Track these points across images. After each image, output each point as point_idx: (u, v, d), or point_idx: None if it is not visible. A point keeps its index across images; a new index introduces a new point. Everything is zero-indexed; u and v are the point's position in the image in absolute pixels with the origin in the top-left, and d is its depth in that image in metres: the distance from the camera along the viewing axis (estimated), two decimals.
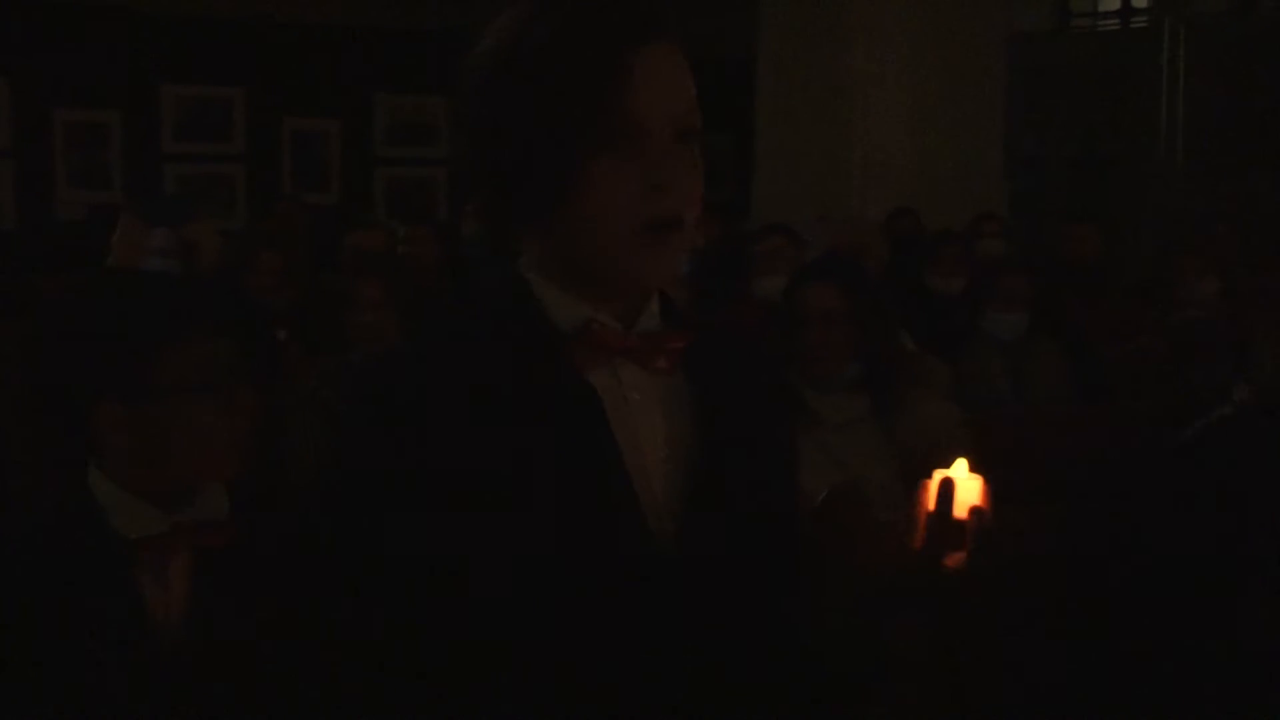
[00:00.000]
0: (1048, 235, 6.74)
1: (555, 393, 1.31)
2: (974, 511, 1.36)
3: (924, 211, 6.80)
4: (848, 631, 1.41)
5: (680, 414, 1.37)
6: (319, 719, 1.56)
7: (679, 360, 1.37)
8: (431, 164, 10.85)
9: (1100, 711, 2.55)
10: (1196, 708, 2.40)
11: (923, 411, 3.16)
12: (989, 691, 2.67)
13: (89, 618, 1.68)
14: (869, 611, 1.41)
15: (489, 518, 1.26)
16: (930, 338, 4.61)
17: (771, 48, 7.82)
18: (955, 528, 1.35)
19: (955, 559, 1.36)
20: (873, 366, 3.19)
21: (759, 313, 4.88)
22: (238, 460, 1.78)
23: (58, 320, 1.82)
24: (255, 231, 7.46)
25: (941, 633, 2.48)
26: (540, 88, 1.29)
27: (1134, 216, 8.65)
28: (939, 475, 1.37)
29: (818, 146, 7.51)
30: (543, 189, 1.29)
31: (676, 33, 1.33)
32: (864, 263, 4.20)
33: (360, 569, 1.30)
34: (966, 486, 1.38)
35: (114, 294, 1.83)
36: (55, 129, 9.71)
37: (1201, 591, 2.39)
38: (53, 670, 1.66)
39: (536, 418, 1.30)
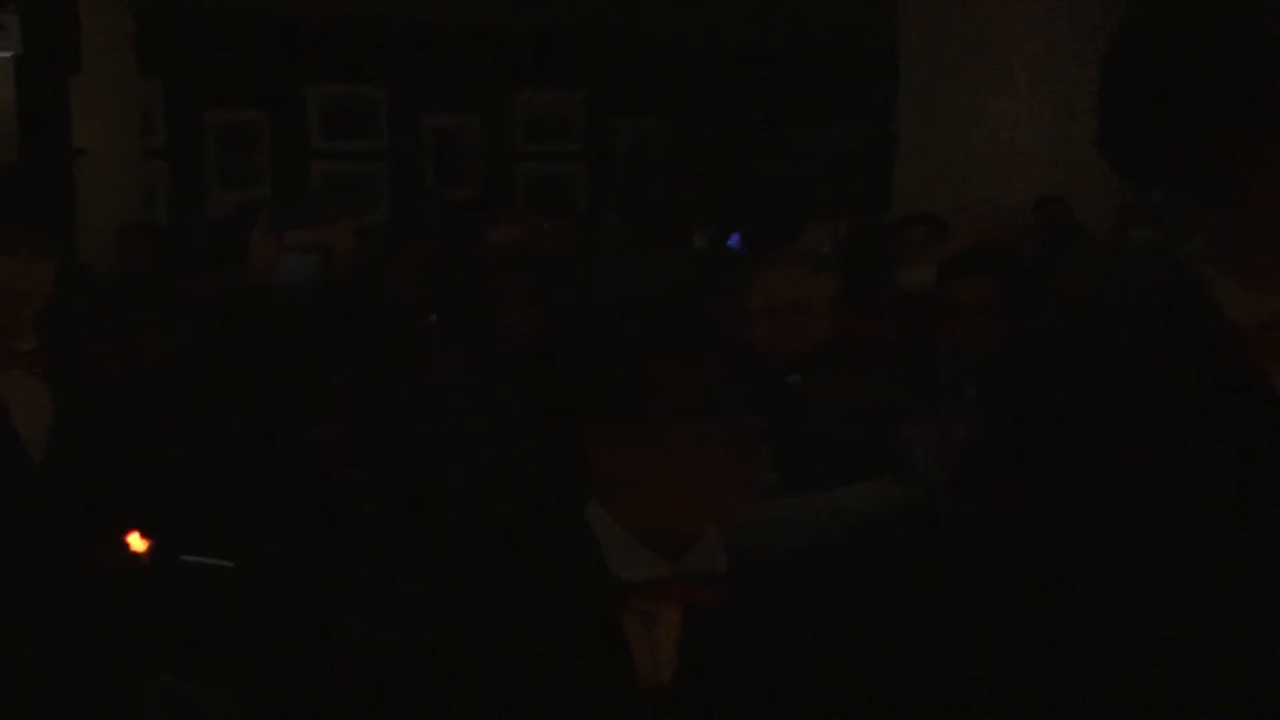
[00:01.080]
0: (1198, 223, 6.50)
1: (1230, 395, 1.14)
2: None
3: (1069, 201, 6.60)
4: None
5: None
6: None
7: None
8: (569, 158, 10.89)
9: None
10: None
11: None
12: None
13: (569, 661, 1.54)
14: None
15: (1157, 519, 1.12)
16: None
17: (913, 36, 7.67)
18: None
19: None
20: None
21: (904, 305, 4.78)
22: (739, 503, 1.59)
23: (560, 336, 1.66)
24: (398, 226, 7.55)
25: None
26: (1240, 26, 1.09)
27: None
28: None
29: (960, 135, 7.35)
30: (1238, 158, 1.10)
31: None
32: (1016, 253, 4.06)
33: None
34: None
35: (607, 309, 1.65)
36: (207, 130, 9.96)
37: None
38: (523, 705, 1.53)
39: (1208, 419, 1.14)
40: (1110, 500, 1.13)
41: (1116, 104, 1.17)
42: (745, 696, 1.57)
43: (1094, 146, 1.20)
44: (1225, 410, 1.13)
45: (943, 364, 3.06)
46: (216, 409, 3.70)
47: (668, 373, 1.54)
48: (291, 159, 10.13)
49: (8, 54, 9.24)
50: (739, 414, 1.55)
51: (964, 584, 1.22)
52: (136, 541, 2.38)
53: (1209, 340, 1.15)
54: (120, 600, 2.39)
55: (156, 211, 9.22)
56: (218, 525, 3.35)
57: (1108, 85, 1.16)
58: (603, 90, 10.80)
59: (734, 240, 8.36)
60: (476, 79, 10.46)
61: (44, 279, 2.36)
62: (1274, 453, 1.13)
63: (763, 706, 1.57)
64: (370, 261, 6.10)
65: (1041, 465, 1.16)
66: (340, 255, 4.57)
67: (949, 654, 1.20)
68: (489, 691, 1.52)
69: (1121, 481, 1.13)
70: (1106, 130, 1.18)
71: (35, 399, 2.37)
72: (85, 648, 2.28)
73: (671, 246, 6.01)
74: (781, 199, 9.82)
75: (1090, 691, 1.15)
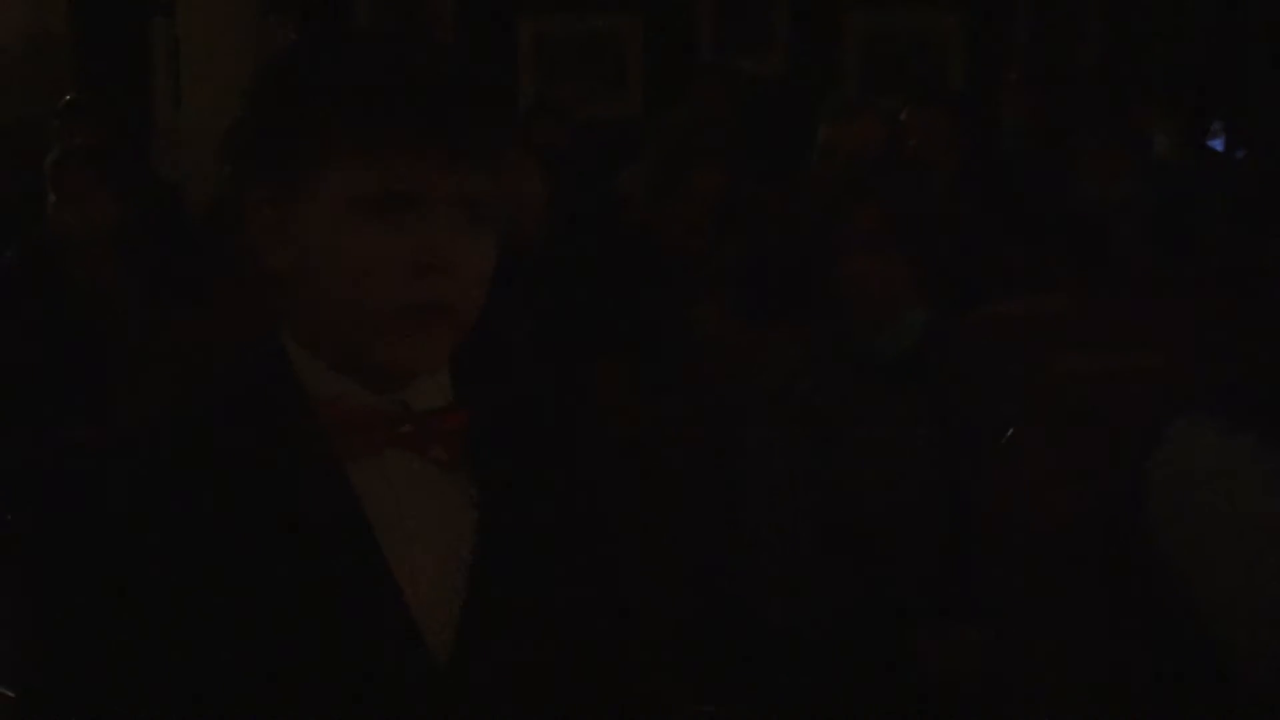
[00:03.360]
0: None
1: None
2: None
3: None
4: None
5: None
6: None
7: None
8: (933, 6, 10.83)
9: None
10: None
11: None
12: None
13: None
14: None
15: None
16: None
17: None
18: None
19: None
20: None
21: None
22: None
23: None
24: (658, 127, 7.54)
25: None
26: None
27: None
28: None
29: None
30: None
31: None
32: None
33: None
34: None
35: None
36: None
37: None
38: None
39: None
40: None
41: None
42: None
43: None
44: None
45: None
46: None
47: None
48: (479, 16, 10.51)
49: None
50: None
51: None
52: None
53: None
54: None
55: None
56: None
57: None
58: None
59: (1217, 140, 8.46)
60: None
61: (473, 272, 1.83)
62: None
63: None
64: (603, 195, 6.16)
65: None
66: (527, 211, 4.66)
67: None
68: None
69: None
70: None
71: (441, 525, 1.87)
72: None
73: (1116, 150, 5.99)
74: None
75: None
